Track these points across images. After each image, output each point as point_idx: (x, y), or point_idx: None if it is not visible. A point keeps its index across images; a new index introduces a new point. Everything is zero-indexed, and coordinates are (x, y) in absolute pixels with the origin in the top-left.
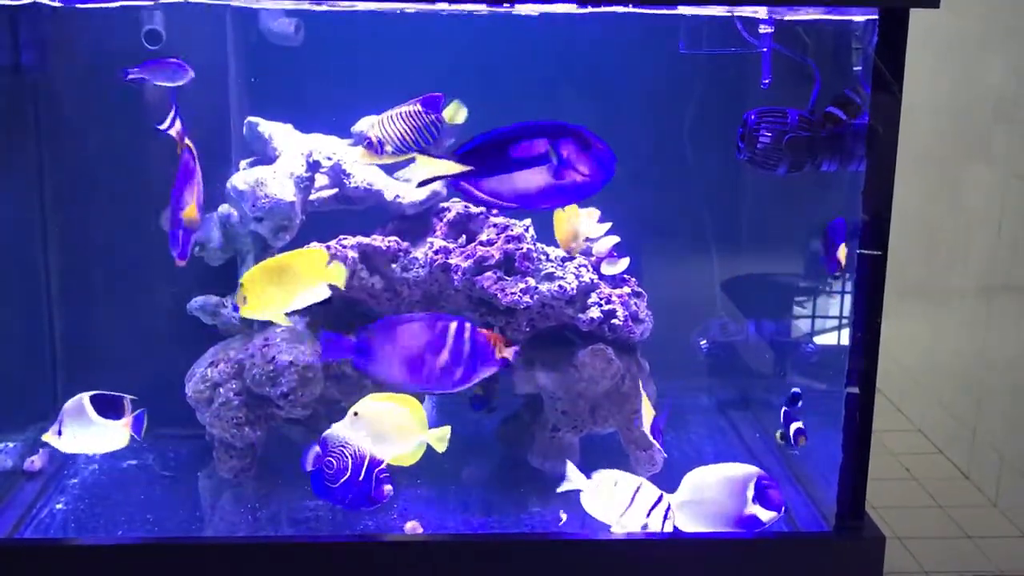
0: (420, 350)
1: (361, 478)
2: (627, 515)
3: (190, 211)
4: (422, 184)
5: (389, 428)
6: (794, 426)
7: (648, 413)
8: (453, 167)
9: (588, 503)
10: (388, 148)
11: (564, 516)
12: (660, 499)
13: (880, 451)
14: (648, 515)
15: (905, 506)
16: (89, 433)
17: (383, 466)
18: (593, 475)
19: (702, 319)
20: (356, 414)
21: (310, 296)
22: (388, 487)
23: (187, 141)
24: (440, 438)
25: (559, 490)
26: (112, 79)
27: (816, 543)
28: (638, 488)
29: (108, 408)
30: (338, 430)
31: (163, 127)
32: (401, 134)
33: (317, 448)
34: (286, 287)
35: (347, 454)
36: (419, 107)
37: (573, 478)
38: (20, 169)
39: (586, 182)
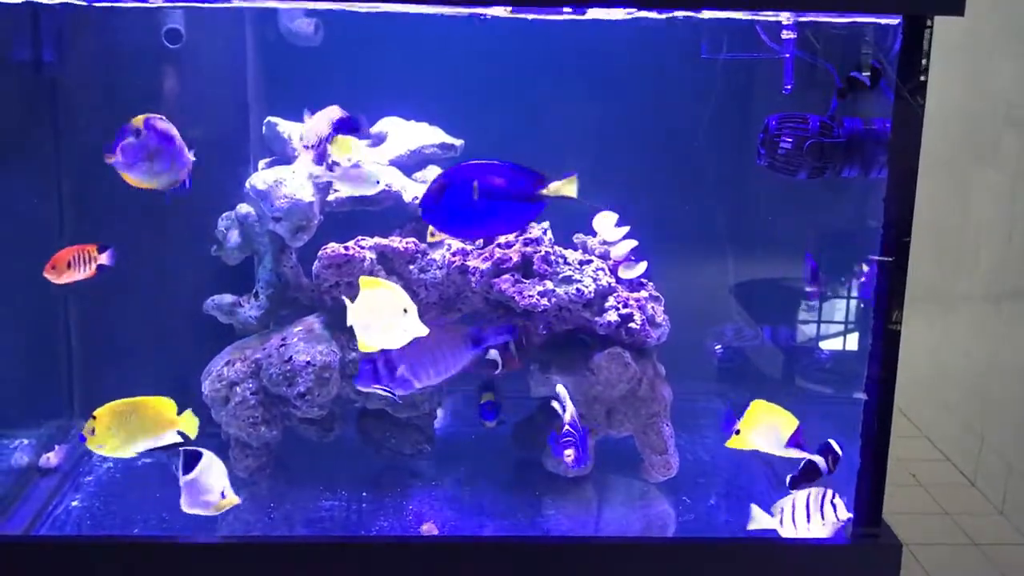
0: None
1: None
2: (813, 523)
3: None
4: None
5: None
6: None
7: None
8: None
9: (785, 533)
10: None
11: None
12: (824, 495)
13: None
14: (822, 514)
15: (912, 513)
16: None
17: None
18: (774, 511)
19: (717, 323)
20: None
21: (157, 441)
22: (568, 451)
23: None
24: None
25: (748, 528)
26: (131, 76)
27: (833, 550)
28: (808, 497)
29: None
30: None
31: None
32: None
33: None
34: (133, 430)
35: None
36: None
37: (760, 519)
38: (38, 165)
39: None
